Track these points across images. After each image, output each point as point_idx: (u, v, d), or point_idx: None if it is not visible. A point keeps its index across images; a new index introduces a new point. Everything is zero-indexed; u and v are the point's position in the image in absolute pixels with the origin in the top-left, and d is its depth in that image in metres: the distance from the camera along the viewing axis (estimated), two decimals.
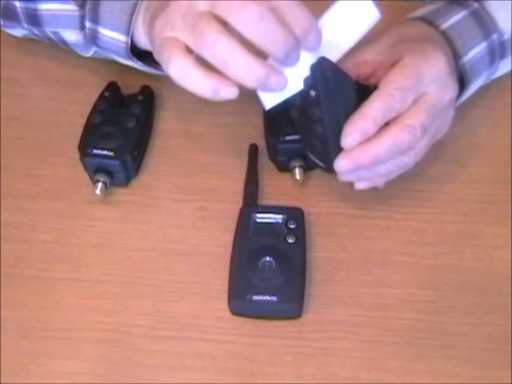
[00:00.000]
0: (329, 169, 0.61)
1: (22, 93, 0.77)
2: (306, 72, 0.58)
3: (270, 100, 0.60)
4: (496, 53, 0.66)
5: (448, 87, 0.61)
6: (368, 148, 0.58)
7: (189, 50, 0.56)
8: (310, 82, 0.58)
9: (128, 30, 0.65)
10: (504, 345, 0.59)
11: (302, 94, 0.59)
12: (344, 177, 0.61)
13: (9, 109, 0.75)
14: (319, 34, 0.56)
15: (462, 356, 0.59)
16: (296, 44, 0.55)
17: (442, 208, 0.66)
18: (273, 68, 0.55)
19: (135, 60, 0.68)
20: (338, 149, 0.59)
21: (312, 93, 0.58)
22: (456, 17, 0.65)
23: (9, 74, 0.78)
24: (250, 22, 0.53)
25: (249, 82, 0.55)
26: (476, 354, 0.59)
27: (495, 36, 0.65)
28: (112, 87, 0.72)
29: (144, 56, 0.68)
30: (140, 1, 0.65)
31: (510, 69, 0.71)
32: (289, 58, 0.56)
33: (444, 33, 0.64)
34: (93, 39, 0.69)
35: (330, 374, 0.58)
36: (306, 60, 0.58)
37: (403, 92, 0.58)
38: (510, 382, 0.57)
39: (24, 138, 0.73)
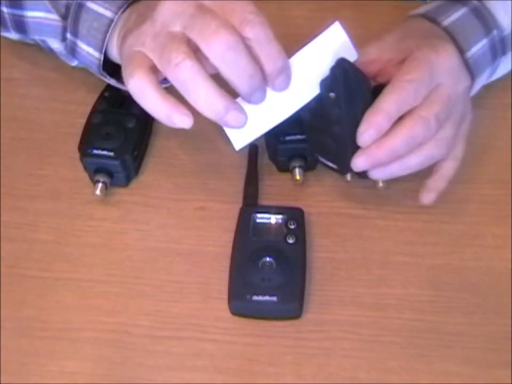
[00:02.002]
0: (343, 170, 0.62)
1: (22, 93, 0.77)
2: (277, 110, 0.58)
3: (239, 140, 0.60)
4: (497, 49, 0.66)
5: (460, 78, 0.61)
6: (383, 143, 0.58)
7: (155, 69, 0.55)
8: (329, 84, 0.58)
9: (102, 48, 0.65)
10: (504, 345, 0.59)
11: (318, 97, 0.59)
12: (375, 176, 0.61)
13: (9, 109, 0.75)
14: (289, 77, 0.56)
15: (462, 356, 0.59)
16: (263, 84, 0.55)
17: (442, 208, 0.66)
18: (234, 103, 0.55)
19: (108, 77, 0.68)
20: (356, 148, 0.59)
21: (332, 95, 0.58)
22: (457, 14, 0.65)
23: (9, 74, 0.78)
24: (219, 49, 0.52)
25: (207, 112, 0.54)
26: (476, 354, 0.59)
27: (495, 32, 0.65)
28: (112, 87, 0.72)
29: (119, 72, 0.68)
30: (116, 18, 0.64)
31: (510, 67, 0.71)
32: (253, 97, 0.56)
33: (446, 30, 0.64)
34: (72, 51, 0.69)
35: (330, 374, 0.58)
36: (277, 99, 0.57)
37: (416, 84, 0.58)
38: (510, 382, 0.57)
39: (24, 138, 0.73)
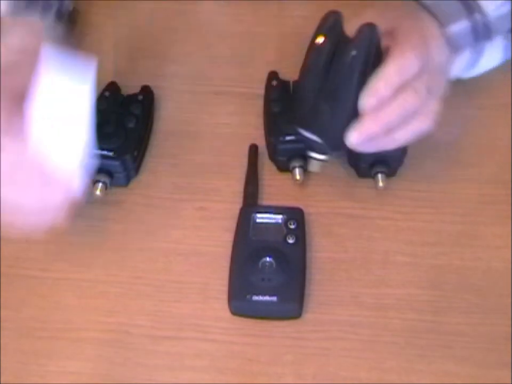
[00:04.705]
0: (330, 146, 0.61)
1: None
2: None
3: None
4: (479, 31, 0.66)
5: (443, 47, 0.62)
6: (378, 115, 0.58)
7: None
8: (357, 42, 0.56)
9: None
10: (504, 345, 0.59)
11: (333, 54, 0.57)
12: (362, 148, 0.61)
13: None
14: None
15: (462, 356, 0.59)
16: None
17: (442, 208, 0.66)
18: None
19: None
20: (349, 121, 0.58)
21: (354, 52, 0.56)
22: None
23: None
24: None
25: None
26: (476, 354, 0.59)
27: (478, 16, 0.65)
28: (112, 87, 0.72)
29: None
30: None
31: (499, 59, 0.70)
32: None
33: (424, 6, 0.64)
34: None
35: (330, 374, 0.58)
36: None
37: (415, 52, 0.58)
38: (510, 382, 0.57)
39: None
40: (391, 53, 0.59)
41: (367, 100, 0.58)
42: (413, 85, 0.58)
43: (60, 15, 0.70)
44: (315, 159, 0.63)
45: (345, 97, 0.58)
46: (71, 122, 0.55)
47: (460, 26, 0.64)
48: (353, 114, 0.58)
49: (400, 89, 0.58)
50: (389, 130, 0.59)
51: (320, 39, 0.57)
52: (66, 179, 0.56)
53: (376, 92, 0.58)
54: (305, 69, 0.59)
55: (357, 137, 0.59)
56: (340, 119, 0.59)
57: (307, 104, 0.60)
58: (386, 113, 0.58)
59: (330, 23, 0.58)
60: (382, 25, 0.60)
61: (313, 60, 0.58)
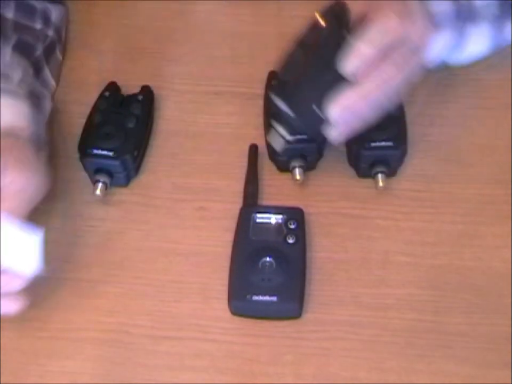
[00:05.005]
0: (302, 123, 0.60)
1: None
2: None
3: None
4: (463, 13, 0.66)
5: (427, 24, 0.61)
6: (356, 87, 0.58)
7: None
8: (345, 23, 0.57)
9: None
10: (504, 345, 0.59)
11: (324, 32, 0.58)
12: (342, 125, 0.60)
13: None
14: None
15: (462, 356, 0.59)
16: None
17: (442, 208, 0.66)
18: None
19: None
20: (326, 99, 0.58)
21: (345, 32, 0.57)
22: None
23: None
24: None
25: None
26: (475, 354, 0.59)
27: (463, 1, 0.65)
28: (112, 87, 0.72)
29: None
30: None
31: (487, 46, 0.70)
32: None
33: None
34: None
35: (330, 374, 0.58)
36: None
37: (398, 16, 0.58)
38: (510, 382, 0.57)
39: None
40: (374, 16, 0.58)
41: (348, 61, 0.57)
42: (391, 56, 0.58)
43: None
44: (279, 134, 0.61)
45: (319, 73, 0.58)
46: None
47: (443, 7, 0.64)
48: (329, 92, 0.58)
49: (380, 59, 0.58)
50: (370, 103, 0.59)
51: (321, 20, 0.58)
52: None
53: (358, 52, 0.57)
54: (295, 42, 0.60)
55: (336, 108, 0.58)
56: (315, 96, 0.58)
57: (290, 77, 0.60)
58: (364, 83, 0.58)
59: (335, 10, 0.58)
60: (366, 6, 0.60)
61: (307, 36, 0.59)
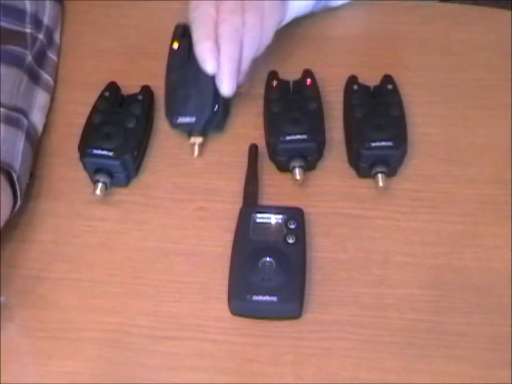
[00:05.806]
0: (203, 120, 0.68)
1: None
2: None
3: None
4: None
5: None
6: (219, 56, 0.66)
7: None
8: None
9: None
10: (504, 345, 0.59)
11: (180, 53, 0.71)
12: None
13: None
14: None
15: (462, 356, 0.59)
16: None
17: (442, 208, 0.66)
18: None
19: None
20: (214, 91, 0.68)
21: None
22: None
23: None
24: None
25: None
26: (476, 354, 0.59)
27: None
28: (112, 87, 0.72)
29: None
30: None
31: None
32: None
33: None
34: None
35: (330, 374, 0.58)
36: None
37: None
38: (510, 382, 0.57)
39: None
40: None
41: (201, 43, 0.66)
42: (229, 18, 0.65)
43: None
44: (196, 144, 0.70)
45: (204, 75, 0.67)
46: None
47: None
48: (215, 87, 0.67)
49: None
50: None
51: (175, 45, 0.71)
52: None
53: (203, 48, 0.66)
54: (168, 70, 0.71)
55: (226, 83, 0.66)
56: (207, 93, 0.68)
57: (177, 96, 0.69)
58: (222, 49, 0.65)
59: (180, 31, 0.72)
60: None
61: (172, 61, 0.71)
